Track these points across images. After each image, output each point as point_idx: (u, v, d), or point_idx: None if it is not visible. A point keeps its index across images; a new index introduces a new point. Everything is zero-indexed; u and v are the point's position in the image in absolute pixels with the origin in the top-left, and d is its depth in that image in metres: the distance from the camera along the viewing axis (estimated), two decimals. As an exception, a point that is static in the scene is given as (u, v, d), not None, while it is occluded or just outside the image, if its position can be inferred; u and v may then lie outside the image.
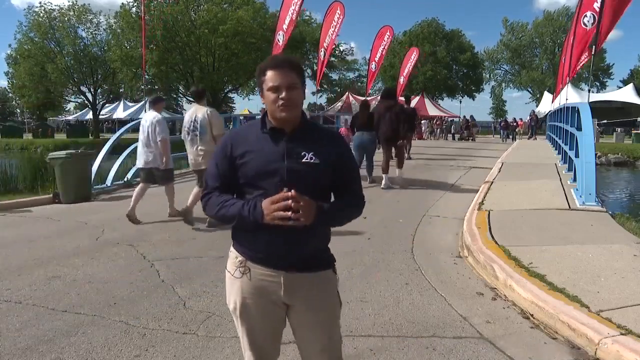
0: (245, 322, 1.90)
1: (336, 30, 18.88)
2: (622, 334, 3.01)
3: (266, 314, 1.87)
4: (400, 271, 4.60)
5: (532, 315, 3.58)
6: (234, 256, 1.91)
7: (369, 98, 31.66)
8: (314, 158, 1.79)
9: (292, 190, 1.66)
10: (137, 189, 6.90)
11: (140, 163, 6.85)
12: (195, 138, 6.37)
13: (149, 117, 6.78)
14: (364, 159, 9.58)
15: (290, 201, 1.64)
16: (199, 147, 6.35)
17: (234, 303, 1.89)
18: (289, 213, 1.65)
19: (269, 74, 1.79)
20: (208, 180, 1.92)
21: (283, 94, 1.76)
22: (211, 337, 3.25)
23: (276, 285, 1.82)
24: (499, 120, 39.44)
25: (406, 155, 12.23)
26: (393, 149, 9.50)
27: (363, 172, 9.13)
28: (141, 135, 6.70)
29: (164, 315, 3.61)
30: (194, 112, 6.50)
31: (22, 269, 4.67)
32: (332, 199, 1.90)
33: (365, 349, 3.05)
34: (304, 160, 1.78)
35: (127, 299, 3.92)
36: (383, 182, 9.19)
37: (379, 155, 9.70)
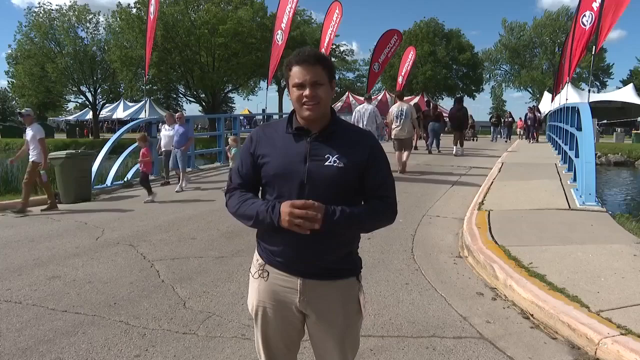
0: (261, 326, 1.83)
1: (334, 30, 18.87)
2: (622, 334, 3.01)
3: (282, 320, 1.79)
4: (400, 271, 4.60)
5: (532, 315, 3.58)
6: (255, 259, 1.86)
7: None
8: (337, 161, 1.68)
9: (311, 200, 1.60)
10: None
11: None
12: (401, 120, 11.01)
13: (367, 107, 10.90)
14: (435, 138, 16.54)
15: (308, 211, 1.57)
16: (403, 126, 11.07)
17: (251, 305, 1.85)
18: (302, 222, 1.58)
19: (294, 69, 1.70)
20: (233, 176, 1.85)
21: (307, 92, 1.67)
22: (211, 337, 3.25)
23: (292, 292, 1.75)
24: (490, 115, 30.68)
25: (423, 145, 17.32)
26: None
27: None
28: (360, 119, 10.59)
29: (164, 315, 3.61)
30: (400, 105, 11.32)
31: (22, 269, 4.67)
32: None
33: (365, 349, 3.05)
34: (326, 163, 1.68)
35: (127, 299, 3.92)
36: (454, 150, 15.46)
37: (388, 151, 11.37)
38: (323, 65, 1.71)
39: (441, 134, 16.95)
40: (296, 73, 1.69)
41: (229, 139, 9.78)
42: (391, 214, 1.81)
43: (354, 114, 11.09)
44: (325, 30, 19.03)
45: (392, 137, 11.49)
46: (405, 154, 11.06)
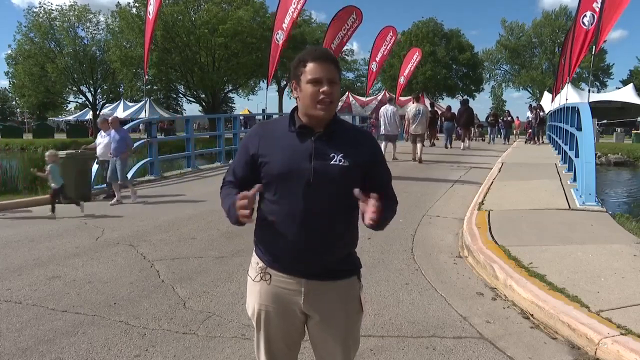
0: (262, 329, 1.82)
1: (348, 33, 18.74)
2: (622, 334, 3.01)
3: (284, 322, 1.79)
4: (400, 271, 4.60)
5: (532, 315, 3.58)
6: (255, 261, 1.84)
7: (369, 98, 31.73)
8: (342, 160, 1.69)
9: (259, 186, 1.64)
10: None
11: (385, 131, 13.26)
12: (418, 119, 13.41)
13: (389, 107, 13.39)
14: (448, 136, 18.77)
15: (245, 200, 1.59)
16: (420, 123, 13.41)
17: (252, 308, 1.83)
18: (247, 211, 1.59)
19: (310, 65, 1.68)
20: (226, 176, 1.86)
21: (325, 88, 1.66)
22: (211, 337, 3.25)
23: (296, 293, 1.74)
24: (487, 114, 26.85)
25: (427, 142, 18.45)
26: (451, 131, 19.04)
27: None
28: (383, 118, 13.19)
29: (164, 315, 3.61)
30: (417, 105, 13.83)
31: (22, 269, 4.67)
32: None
33: (365, 349, 3.05)
34: (332, 162, 1.68)
35: (127, 299, 3.92)
36: (462, 145, 18.13)
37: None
38: (336, 65, 1.73)
39: (452, 132, 19.60)
40: (313, 69, 1.68)
41: (46, 155, 7.81)
42: (396, 209, 1.88)
43: (380, 114, 13.65)
44: (336, 31, 18.73)
45: (410, 132, 13.66)
46: (419, 146, 13.34)
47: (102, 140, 8.89)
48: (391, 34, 23.16)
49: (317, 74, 1.67)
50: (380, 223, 1.66)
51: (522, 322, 3.52)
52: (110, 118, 9.04)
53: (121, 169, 8.31)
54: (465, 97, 30.28)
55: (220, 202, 1.82)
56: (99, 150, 8.96)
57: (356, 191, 1.61)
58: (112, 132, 8.53)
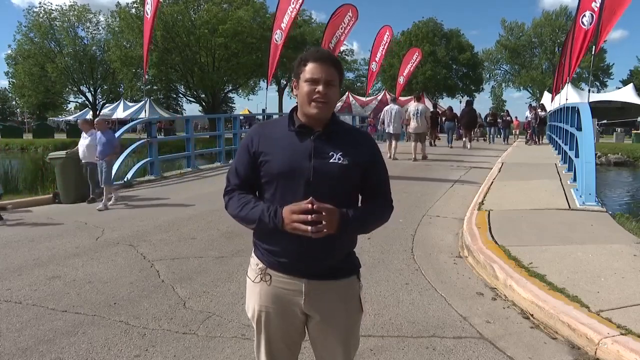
0: (263, 331, 1.82)
1: (345, 31, 18.74)
2: (622, 334, 3.01)
3: (284, 323, 1.79)
4: (400, 271, 4.60)
5: (532, 315, 3.58)
6: (254, 262, 1.83)
7: (369, 98, 31.70)
8: (342, 159, 1.71)
9: (311, 199, 1.59)
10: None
11: (390, 130, 13.91)
12: (417, 118, 13.64)
13: (394, 107, 14.07)
14: (449, 135, 19.33)
15: (309, 216, 1.58)
16: (419, 123, 13.65)
17: (253, 310, 1.82)
18: (309, 227, 1.58)
19: (310, 65, 1.72)
20: (230, 177, 1.83)
21: (320, 88, 1.69)
22: (211, 337, 3.25)
23: (297, 294, 1.75)
24: (486, 114, 25.39)
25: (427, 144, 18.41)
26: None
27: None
28: (389, 116, 13.81)
29: (164, 315, 3.61)
30: (417, 105, 14.09)
31: (22, 269, 4.67)
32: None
33: (365, 349, 3.05)
34: (331, 160, 1.70)
35: (127, 299, 3.92)
36: (463, 144, 18.45)
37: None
38: (337, 67, 1.75)
39: (454, 132, 20.22)
40: (312, 69, 1.71)
41: None
42: (390, 212, 1.87)
43: (383, 112, 14.24)
44: (333, 30, 18.73)
45: (410, 131, 13.97)
46: (419, 145, 13.75)
47: (83, 142, 8.47)
48: (388, 33, 23.23)
49: (315, 74, 1.70)
50: (340, 230, 1.65)
51: (522, 322, 3.53)
52: (97, 120, 8.61)
53: (107, 171, 8.03)
54: (469, 98, 30.58)
55: (235, 209, 1.76)
56: (81, 153, 8.51)
57: (309, 200, 1.60)
58: (98, 134, 8.15)
